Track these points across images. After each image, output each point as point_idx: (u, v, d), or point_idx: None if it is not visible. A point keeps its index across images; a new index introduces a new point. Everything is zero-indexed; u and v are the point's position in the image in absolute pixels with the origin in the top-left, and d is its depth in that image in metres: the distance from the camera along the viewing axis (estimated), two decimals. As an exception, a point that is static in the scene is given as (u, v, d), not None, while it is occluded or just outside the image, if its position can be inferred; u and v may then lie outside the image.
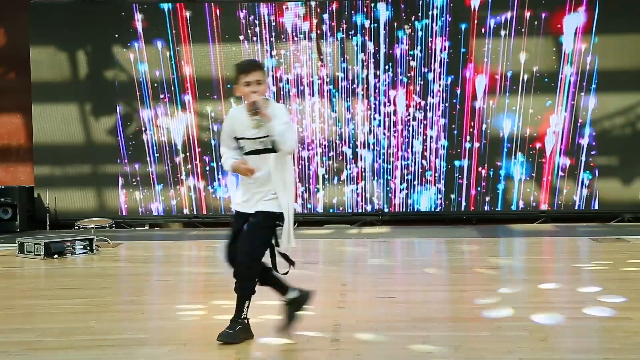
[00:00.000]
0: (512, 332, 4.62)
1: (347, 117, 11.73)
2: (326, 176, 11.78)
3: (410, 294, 6.09)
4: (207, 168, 11.81)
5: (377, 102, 11.70)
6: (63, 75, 11.96)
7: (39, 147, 11.98)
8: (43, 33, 11.92)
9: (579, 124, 11.53)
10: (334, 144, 11.76)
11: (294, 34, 11.73)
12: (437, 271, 7.37)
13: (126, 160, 11.88)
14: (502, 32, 11.54)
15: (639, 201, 11.50)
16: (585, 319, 4.95)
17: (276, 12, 11.72)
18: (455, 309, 5.48)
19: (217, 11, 11.74)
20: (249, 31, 11.72)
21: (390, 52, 11.64)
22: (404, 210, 11.73)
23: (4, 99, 12.33)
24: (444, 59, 11.60)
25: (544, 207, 11.59)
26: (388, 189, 11.73)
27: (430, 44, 11.60)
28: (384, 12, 11.63)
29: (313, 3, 11.68)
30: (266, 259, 4.49)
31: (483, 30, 11.56)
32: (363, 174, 11.75)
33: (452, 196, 11.66)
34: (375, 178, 11.72)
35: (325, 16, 11.68)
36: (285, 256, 4.53)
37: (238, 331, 4.39)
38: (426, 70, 11.61)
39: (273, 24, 11.72)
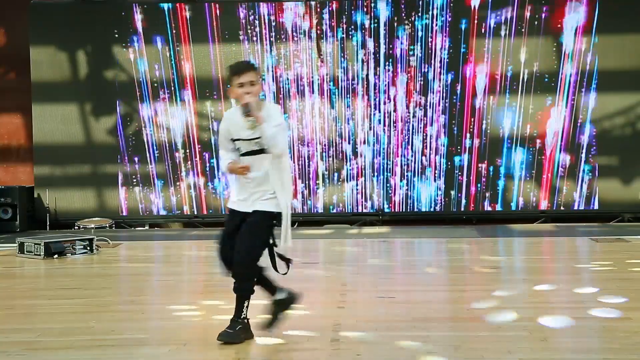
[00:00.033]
0: (512, 332, 4.62)
1: (347, 115, 11.73)
2: (326, 174, 11.79)
3: (410, 294, 6.09)
4: (207, 166, 11.81)
5: (377, 100, 11.71)
6: (63, 75, 11.96)
7: (39, 147, 11.99)
8: (43, 33, 11.92)
9: (579, 122, 11.54)
10: (334, 142, 11.76)
11: (294, 32, 11.73)
12: (437, 271, 7.37)
13: (126, 160, 11.88)
14: (502, 31, 11.54)
15: (639, 201, 11.50)
16: (585, 319, 4.95)
17: (276, 11, 11.72)
18: (455, 309, 5.47)
19: (217, 10, 11.74)
20: (249, 29, 11.72)
21: (391, 50, 11.64)
22: (404, 209, 11.73)
23: (4, 99, 12.34)
24: (444, 57, 11.61)
25: (543, 204, 11.59)
26: (388, 186, 11.74)
27: (430, 42, 11.61)
28: (384, 11, 11.63)
29: (313, 2, 11.68)
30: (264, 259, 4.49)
31: (483, 29, 11.55)
32: (363, 171, 11.76)
33: (452, 193, 11.67)
34: (375, 175, 11.72)
35: (325, 15, 11.68)
36: (282, 257, 4.53)
37: (238, 331, 4.39)
38: (426, 68, 11.61)
39: (273, 23, 11.73)
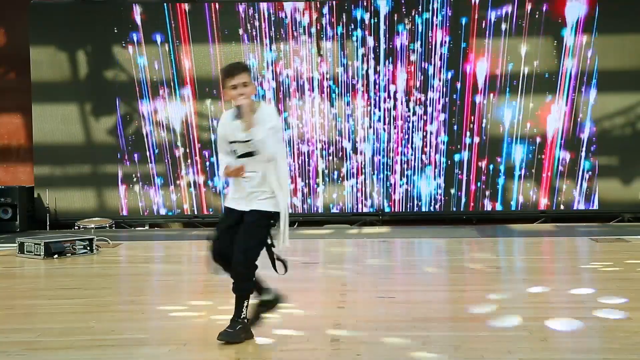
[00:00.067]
0: (512, 332, 4.62)
1: (347, 113, 11.74)
2: (326, 171, 11.79)
3: (410, 294, 6.08)
4: (207, 164, 11.82)
5: (377, 98, 11.71)
6: (63, 75, 11.97)
7: (39, 147, 11.99)
8: (43, 33, 11.93)
9: (579, 121, 11.54)
10: (334, 140, 11.77)
11: (294, 28, 11.74)
12: (437, 271, 7.37)
13: (126, 159, 11.89)
14: (503, 28, 11.54)
15: (639, 201, 11.50)
16: (585, 319, 4.95)
17: (276, 7, 11.73)
18: (455, 309, 5.47)
19: (216, 6, 11.74)
20: (249, 26, 11.73)
21: (391, 46, 11.65)
22: (404, 207, 11.73)
23: (4, 99, 12.34)
24: (444, 53, 11.61)
25: (543, 201, 11.58)
26: (388, 184, 11.74)
27: (430, 39, 11.61)
28: (383, 6, 11.63)
29: (312, 2, 11.69)
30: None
31: (483, 24, 11.54)
32: (363, 169, 11.76)
33: (452, 191, 11.67)
34: (375, 173, 11.73)
35: (325, 11, 11.68)
36: (278, 257, 4.52)
37: (238, 331, 4.39)
38: (426, 65, 11.61)
39: (272, 17, 11.73)
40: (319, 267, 7.77)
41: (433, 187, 11.70)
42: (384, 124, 11.71)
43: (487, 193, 11.65)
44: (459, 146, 11.66)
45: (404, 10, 11.63)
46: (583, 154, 11.54)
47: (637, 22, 11.53)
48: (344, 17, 11.67)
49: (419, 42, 11.63)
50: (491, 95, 11.60)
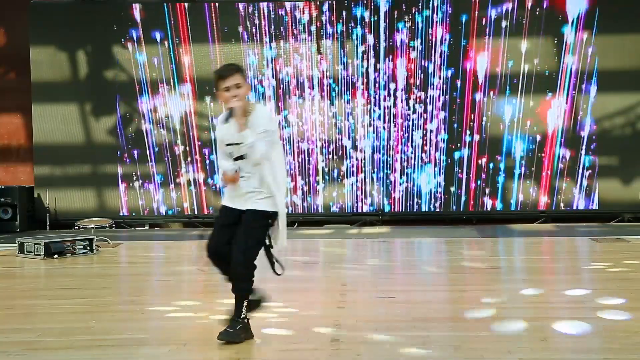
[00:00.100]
0: (512, 332, 4.62)
1: (347, 111, 11.74)
2: (326, 170, 11.79)
3: (410, 294, 6.08)
4: (207, 161, 11.82)
5: (376, 96, 11.71)
6: (63, 75, 11.97)
7: (39, 147, 11.99)
8: (43, 33, 11.93)
9: (579, 117, 11.55)
10: (334, 138, 11.77)
11: (294, 26, 11.74)
12: (437, 271, 7.37)
13: (126, 157, 11.89)
14: (503, 26, 11.54)
15: (639, 201, 11.50)
16: (585, 319, 4.95)
17: (275, 5, 11.73)
18: (455, 309, 5.47)
19: (216, 6, 11.75)
20: (248, 24, 11.73)
21: (390, 44, 11.64)
22: (403, 205, 11.73)
23: (4, 99, 12.34)
24: (444, 51, 11.61)
25: (543, 199, 11.58)
26: (388, 182, 11.74)
27: (430, 36, 11.61)
28: (383, 4, 11.63)
29: (312, 2, 11.70)
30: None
31: (484, 21, 11.53)
32: (363, 167, 11.76)
33: (452, 189, 11.67)
34: (375, 172, 11.73)
35: (325, 8, 11.68)
36: (276, 259, 4.51)
37: (238, 330, 4.39)
38: (426, 62, 11.61)
39: (272, 14, 11.73)
40: (319, 267, 7.77)
41: (433, 185, 11.70)
42: (384, 122, 11.72)
43: (487, 191, 11.65)
44: (459, 144, 11.66)
45: (404, 7, 11.63)
46: (583, 152, 11.54)
47: (637, 22, 11.54)
48: (344, 14, 11.67)
49: (419, 40, 11.63)
50: (491, 92, 11.60)
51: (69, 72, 11.97)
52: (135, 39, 11.85)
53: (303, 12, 11.73)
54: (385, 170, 11.74)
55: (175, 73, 11.84)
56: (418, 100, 11.67)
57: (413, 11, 11.62)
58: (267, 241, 4.45)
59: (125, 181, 11.89)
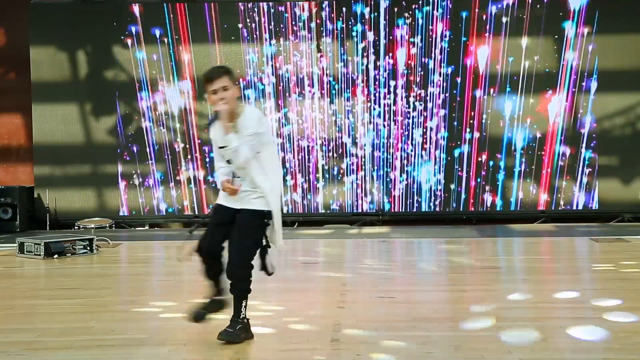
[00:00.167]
0: (512, 332, 4.62)
1: (347, 108, 11.74)
2: (325, 167, 11.79)
3: (410, 294, 6.09)
4: (207, 159, 11.82)
5: (376, 93, 11.71)
6: (63, 75, 11.97)
7: (39, 147, 11.99)
8: (43, 33, 11.93)
9: (579, 114, 11.55)
10: (334, 136, 11.77)
11: (293, 23, 11.74)
12: (437, 271, 7.37)
13: (126, 155, 11.90)
14: (504, 20, 11.53)
15: (639, 201, 11.50)
16: (585, 319, 4.95)
17: (275, 2, 11.72)
18: (455, 309, 5.47)
19: (217, 6, 11.76)
20: (248, 20, 11.72)
21: (391, 40, 11.64)
22: (403, 203, 11.73)
23: (4, 99, 12.34)
24: (445, 47, 11.61)
25: (543, 197, 11.58)
26: (388, 180, 11.74)
27: (430, 33, 11.61)
28: (383, 1, 11.62)
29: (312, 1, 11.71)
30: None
31: (484, 17, 11.53)
32: (363, 165, 11.76)
33: (452, 187, 11.67)
34: (375, 169, 11.73)
35: (325, 5, 11.67)
36: (269, 261, 4.49)
37: (238, 330, 4.39)
38: (426, 60, 11.61)
39: (272, 10, 11.73)
40: (319, 267, 7.77)
41: (433, 183, 11.70)
42: (384, 120, 11.72)
43: (487, 188, 11.65)
44: (458, 142, 11.66)
45: (403, 4, 11.63)
46: (583, 149, 11.54)
47: (637, 22, 11.54)
48: (343, 11, 11.67)
49: (419, 37, 11.63)
50: (491, 90, 11.60)
51: (69, 72, 11.97)
52: (135, 38, 11.86)
53: (303, 9, 11.73)
54: (385, 168, 11.74)
55: (175, 71, 11.85)
56: (418, 97, 11.67)
57: (413, 7, 11.62)
58: (264, 241, 4.44)
59: (125, 179, 11.90)
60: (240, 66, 11.68)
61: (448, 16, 11.60)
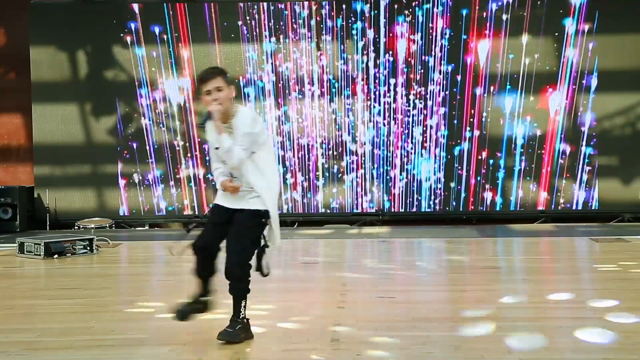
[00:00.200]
0: (512, 332, 4.62)
1: (347, 107, 11.74)
2: (325, 166, 11.79)
3: (410, 294, 6.09)
4: (207, 158, 11.83)
5: (376, 91, 11.71)
6: (63, 75, 11.97)
7: (39, 147, 11.99)
8: (43, 33, 11.93)
9: (579, 112, 11.55)
10: (334, 134, 11.77)
11: (293, 20, 11.73)
12: (437, 271, 7.37)
13: (126, 153, 11.90)
14: (504, 17, 11.53)
15: (639, 201, 11.50)
16: (585, 319, 4.95)
17: (275, 1, 11.74)
18: (455, 309, 5.47)
19: (217, 6, 11.77)
20: (248, 18, 11.72)
21: (391, 38, 11.63)
22: (403, 203, 11.73)
23: (4, 99, 12.35)
24: (445, 45, 11.61)
25: (543, 195, 11.57)
26: (388, 178, 11.74)
27: (430, 31, 11.61)
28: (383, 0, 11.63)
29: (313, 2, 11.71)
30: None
31: (484, 14, 11.52)
32: (363, 164, 11.76)
33: (452, 185, 11.67)
34: (375, 167, 11.73)
35: (325, 3, 11.67)
36: (265, 261, 4.49)
37: (238, 330, 4.39)
38: (426, 58, 11.61)
39: (272, 7, 11.74)
40: (319, 267, 7.77)
41: (433, 181, 11.70)
42: (384, 118, 11.72)
43: (487, 187, 11.65)
44: (459, 140, 11.66)
45: (404, 1, 11.62)
46: (583, 147, 11.54)
47: (637, 22, 11.54)
48: (343, 8, 11.67)
49: (419, 35, 11.63)
50: (491, 88, 11.60)
51: (69, 72, 11.98)
52: (134, 37, 11.86)
53: (303, 7, 11.73)
54: (385, 167, 11.74)
55: (175, 70, 11.85)
56: (418, 96, 11.67)
57: (413, 5, 11.62)
58: (262, 241, 4.43)
59: (125, 177, 11.90)
60: (240, 64, 11.68)
61: (448, 14, 11.60)
